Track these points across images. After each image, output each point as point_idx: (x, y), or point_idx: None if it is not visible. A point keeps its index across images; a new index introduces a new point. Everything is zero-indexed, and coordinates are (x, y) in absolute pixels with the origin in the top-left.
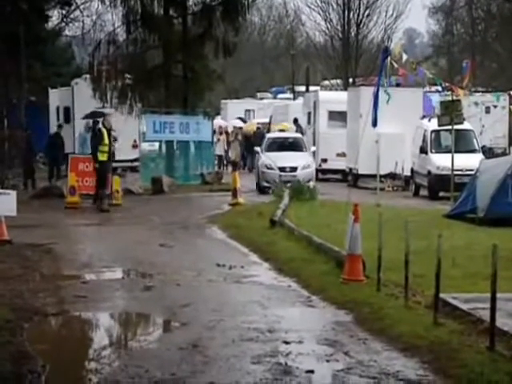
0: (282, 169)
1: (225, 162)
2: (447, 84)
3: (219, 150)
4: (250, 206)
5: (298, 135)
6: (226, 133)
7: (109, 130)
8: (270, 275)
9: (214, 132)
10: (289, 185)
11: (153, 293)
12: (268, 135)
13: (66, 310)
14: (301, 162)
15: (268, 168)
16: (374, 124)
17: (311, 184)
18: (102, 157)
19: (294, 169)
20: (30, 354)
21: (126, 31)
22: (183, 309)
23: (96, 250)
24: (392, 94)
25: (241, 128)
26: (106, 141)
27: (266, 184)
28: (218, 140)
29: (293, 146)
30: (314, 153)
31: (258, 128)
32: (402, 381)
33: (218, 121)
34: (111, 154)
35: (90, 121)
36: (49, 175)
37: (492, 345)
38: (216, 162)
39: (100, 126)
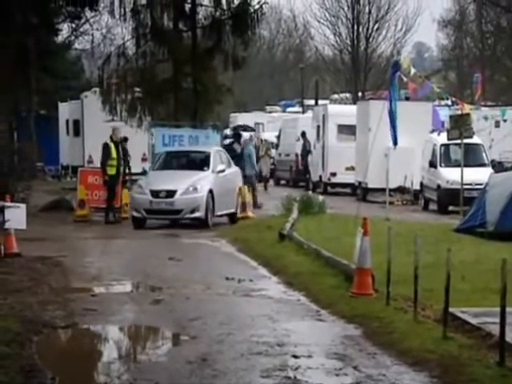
0: (154, 193)
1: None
2: (454, 98)
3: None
4: (258, 220)
5: (208, 150)
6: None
7: (117, 144)
8: (279, 289)
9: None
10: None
11: (162, 306)
12: (166, 149)
13: (75, 323)
14: (183, 185)
15: (138, 191)
16: (395, 142)
17: (198, 215)
18: (111, 171)
19: (170, 193)
20: (40, 367)
21: (136, 45)
22: (192, 322)
23: (105, 263)
24: (401, 107)
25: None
26: (114, 155)
27: (134, 214)
28: None
29: (195, 162)
30: (221, 171)
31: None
32: None
33: (243, 134)
34: (120, 168)
35: (252, 134)
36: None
37: (502, 360)
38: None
39: (108, 140)
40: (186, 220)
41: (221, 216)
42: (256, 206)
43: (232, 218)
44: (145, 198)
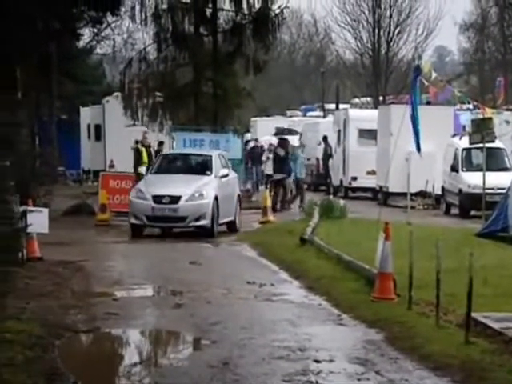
0: (157, 198)
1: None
2: (475, 102)
3: (269, 169)
4: (280, 224)
5: (209, 153)
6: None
7: (147, 148)
8: (301, 293)
9: (254, 150)
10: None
11: (183, 310)
12: (164, 152)
13: (96, 327)
14: (188, 191)
15: (138, 197)
16: (418, 148)
17: (204, 223)
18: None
19: (175, 199)
20: (62, 371)
21: (157, 49)
22: (213, 327)
23: (126, 267)
24: (422, 112)
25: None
26: (145, 159)
27: (134, 221)
28: (268, 159)
29: (195, 167)
30: (224, 176)
31: (256, 146)
32: None
33: (269, 138)
34: None
35: (302, 140)
36: None
37: None
38: (264, 181)
39: (138, 145)
40: (190, 228)
41: (221, 225)
42: (284, 206)
43: (230, 226)
44: (146, 203)
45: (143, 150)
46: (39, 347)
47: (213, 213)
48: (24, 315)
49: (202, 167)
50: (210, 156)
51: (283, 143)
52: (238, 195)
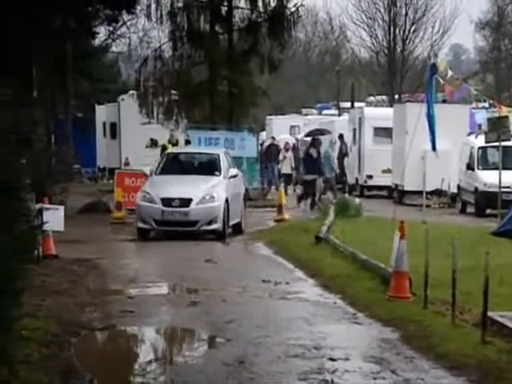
0: (166, 201)
1: (294, 182)
2: (491, 101)
3: (286, 168)
4: (295, 222)
5: (214, 151)
6: (295, 149)
7: (174, 146)
8: (316, 292)
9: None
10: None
11: (198, 308)
12: (168, 151)
13: (112, 325)
14: (199, 193)
15: (146, 199)
16: (434, 147)
17: (216, 226)
18: None
19: (185, 202)
20: (78, 368)
21: (173, 47)
22: (228, 325)
23: (142, 265)
24: (438, 110)
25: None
26: None
27: (142, 225)
28: (285, 158)
29: (203, 167)
30: (233, 176)
31: (272, 144)
32: None
33: (286, 136)
34: None
35: (333, 136)
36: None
37: None
38: (281, 180)
39: (165, 142)
40: (200, 232)
41: (229, 227)
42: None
43: (236, 228)
44: (155, 207)
45: (169, 146)
46: (55, 345)
47: (224, 216)
48: (40, 313)
49: (209, 167)
50: (218, 155)
51: (316, 143)
52: (244, 195)
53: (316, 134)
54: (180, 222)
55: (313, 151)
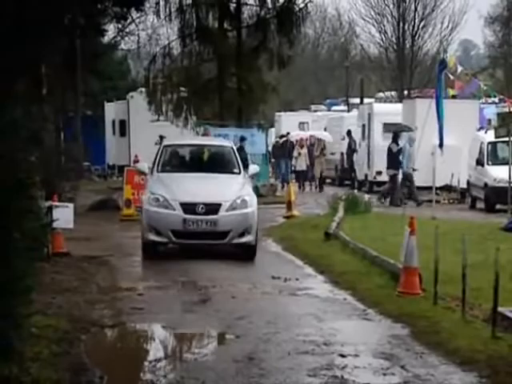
0: (187, 207)
1: (308, 179)
2: (501, 96)
3: (300, 165)
4: (304, 219)
5: (225, 143)
6: (311, 145)
7: None
8: (326, 288)
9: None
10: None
11: (208, 305)
12: (167, 142)
13: (122, 322)
14: (229, 196)
15: (159, 205)
16: (441, 144)
17: (250, 239)
18: None
19: (213, 208)
20: (88, 365)
21: (181, 44)
22: (238, 321)
23: (151, 262)
24: (447, 106)
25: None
26: None
27: (154, 237)
28: (299, 154)
29: (216, 162)
30: (254, 175)
31: (285, 140)
32: None
33: (299, 132)
34: None
35: (411, 133)
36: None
37: None
38: (294, 177)
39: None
40: (231, 245)
41: None
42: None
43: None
44: (174, 214)
45: None
46: (65, 342)
47: (257, 225)
48: (50, 310)
49: (223, 163)
50: (231, 148)
51: (397, 138)
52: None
53: (398, 130)
54: (207, 233)
55: (393, 146)
